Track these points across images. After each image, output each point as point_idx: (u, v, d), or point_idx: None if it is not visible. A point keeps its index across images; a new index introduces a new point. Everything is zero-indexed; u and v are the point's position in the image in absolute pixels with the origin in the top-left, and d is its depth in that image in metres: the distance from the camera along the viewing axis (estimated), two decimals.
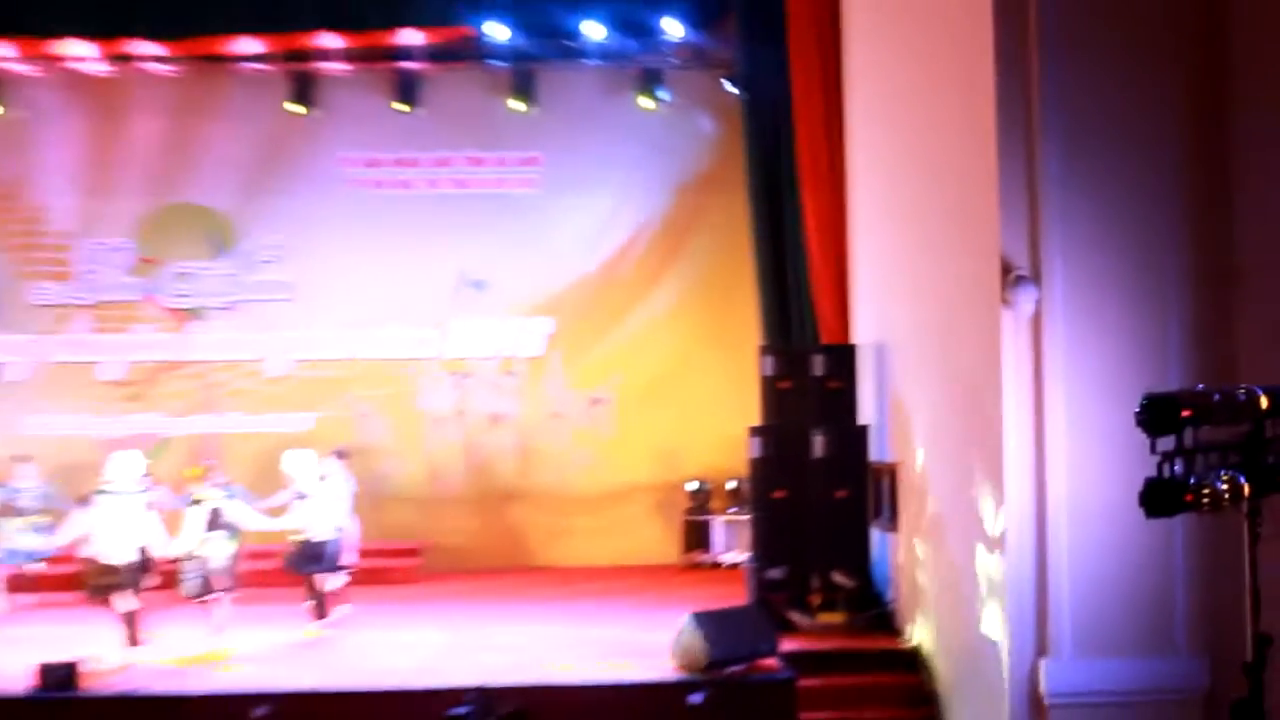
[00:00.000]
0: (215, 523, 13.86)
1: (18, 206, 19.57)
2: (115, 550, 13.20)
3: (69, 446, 18.63)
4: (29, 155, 19.53)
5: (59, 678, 12.06)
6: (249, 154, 19.53)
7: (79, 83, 19.32)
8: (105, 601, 13.21)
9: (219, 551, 13.81)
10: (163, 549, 13.62)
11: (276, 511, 14.71)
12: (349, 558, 15.07)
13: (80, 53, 18.72)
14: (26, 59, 18.82)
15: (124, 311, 19.69)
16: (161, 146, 19.53)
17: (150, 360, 19.71)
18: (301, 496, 14.43)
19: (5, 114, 19.13)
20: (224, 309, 19.67)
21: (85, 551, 13.47)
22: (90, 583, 13.38)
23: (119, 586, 13.18)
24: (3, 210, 19.58)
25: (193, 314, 19.68)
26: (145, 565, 13.60)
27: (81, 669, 12.17)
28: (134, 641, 13.13)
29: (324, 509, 14.48)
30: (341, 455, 15.47)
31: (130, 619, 13.20)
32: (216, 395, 19.67)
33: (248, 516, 14.13)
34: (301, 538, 14.43)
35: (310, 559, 14.42)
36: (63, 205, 19.59)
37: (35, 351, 19.59)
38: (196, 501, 13.91)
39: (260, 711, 11.74)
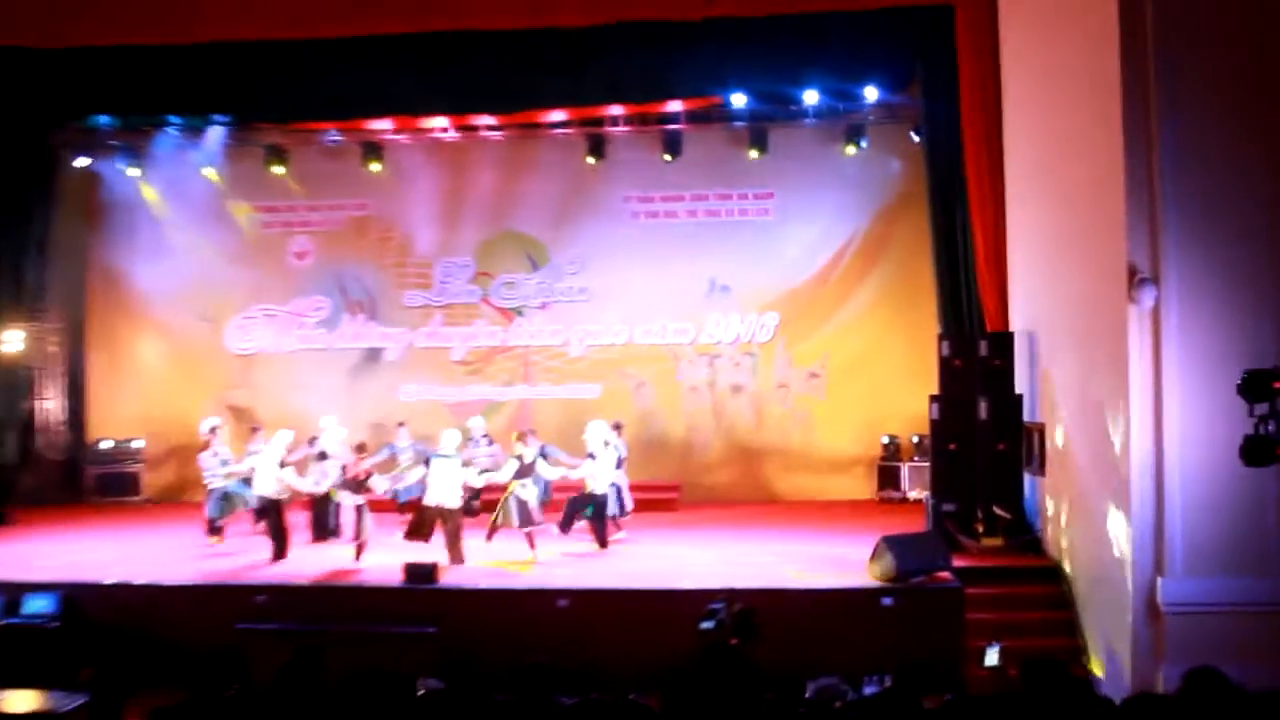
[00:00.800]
0: (529, 472, 14.04)
1: (393, 236, 20.15)
2: (444, 497, 13.41)
3: (429, 409, 19.17)
4: (401, 200, 20.09)
5: (421, 573, 12.41)
6: (557, 194, 19.79)
7: (435, 146, 19.85)
8: (427, 537, 13.33)
9: (531, 495, 13.96)
10: (479, 491, 13.91)
11: (572, 467, 14.79)
12: (622, 503, 15.09)
13: (437, 124, 19.25)
14: (399, 130, 19.41)
15: (467, 310, 20.10)
16: (494, 191, 19.95)
17: (485, 346, 20.06)
18: (591, 456, 14.49)
19: (383, 170, 19.66)
20: (538, 308, 19.96)
21: (426, 497, 13.66)
22: (419, 518, 13.54)
23: (445, 521, 13.40)
24: (383, 239, 20.17)
25: (516, 312, 20.01)
26: (467, 508, 13.94)
27: (439, 567, 12.52)
28: (458, 559, 13.32)
29: (604, 467, 14.48)
30: (617, 427, 15.50)
31: (455, 541, 13.40)
32: (532, 371, 19.98)
33: (552, 469, 14.28)
34: (587, 489, 14.49)
35: (590, 504, 14.48)
36: (425, 235, 20.11)
37: (406, 340, 20.17)
38: (518, 457, 14.05)
39: (562, 604, 11.99)
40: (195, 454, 15.43)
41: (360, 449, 14.17)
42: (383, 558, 13.36)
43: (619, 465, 14.99)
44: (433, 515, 13.40)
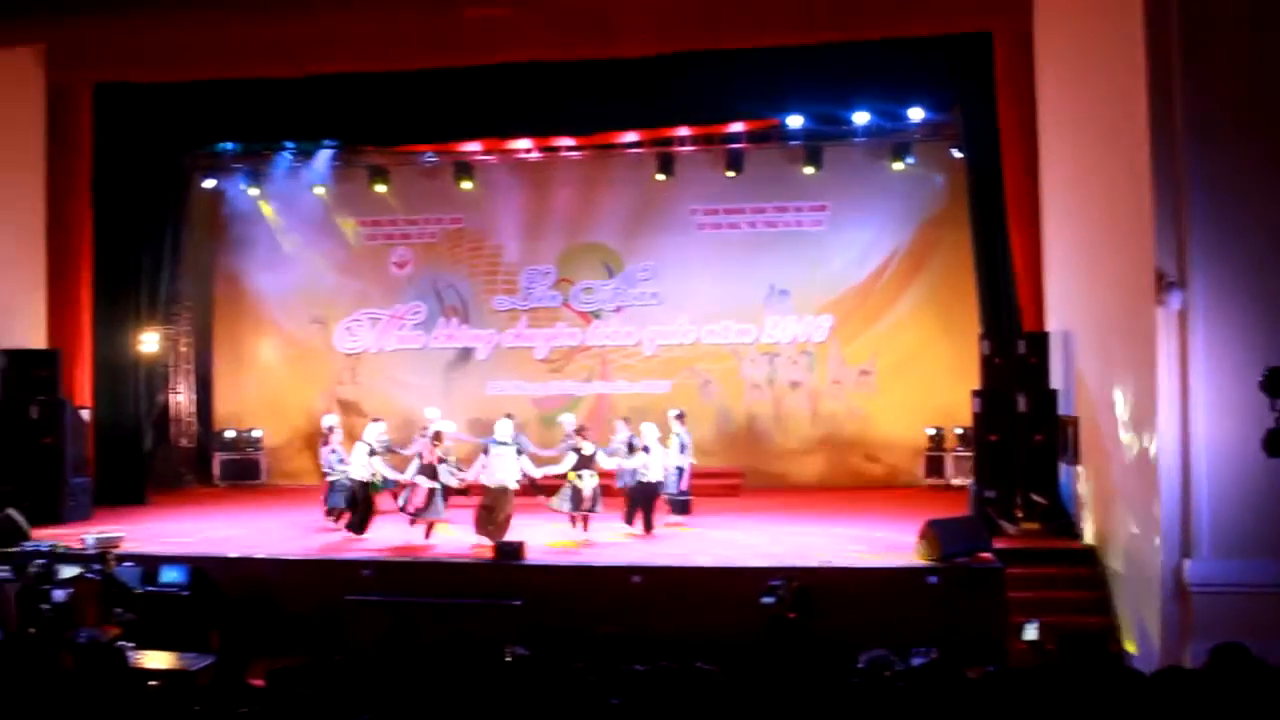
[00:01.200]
0: (589, 464, 13.97)
1: (484, 247, 20.25)
2: (504, 479, 13.45)
3: (515, 404, 19.28)
4: (490, 214, 20.19)
5: (509, 551, 12.47)
6: (630, 208, 19.80)
7: (520, 165, 19.93)
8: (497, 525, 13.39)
9: (587, 483, 13.91)
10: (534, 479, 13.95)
11: (623, 459, 14.63)
12: (678, 489, 14.92)
13: (521, 146, 19.34)
14: (488, 151, 19.52)
15: (549, 314, 20.14)
16: (573, 205, 20.01)
17: (566, 346, 20.10)
18: (646, 450, 14.34)
19: (474, 187, 19.76)
20: (614, 311, 19.96)
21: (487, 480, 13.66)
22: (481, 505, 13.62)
23: (503, 502, 13.44)
24: (474, 250, 20.29)
25: (593, 315, 20.04)
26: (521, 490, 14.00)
27: (525, 545, 12.53)
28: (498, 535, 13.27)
29: (657, 458, 14.32)
30: (680, 416, 15.37)
31: (506, 522, 13.43)
32: (608, 369, 20.00)
33: (604, 460, 14.20)
34: (643, 478, 14.29)
35: (645, 492, 14.33)
36: (511, 245, 20.20)
37: (493, 341, 20.27)
38: (577, 449, 14.04)
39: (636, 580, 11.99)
40: (308, 442, 15.56)
41: (436, 438, 14.22)
42: (449, 535, 13.72)
43: (682, 451, 14.89)
44: (493, 496, 13.44)
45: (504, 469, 13.49)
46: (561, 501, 13.96)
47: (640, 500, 14.30)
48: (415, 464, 13.86)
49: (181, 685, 8.58)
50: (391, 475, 14.24)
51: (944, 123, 17.62)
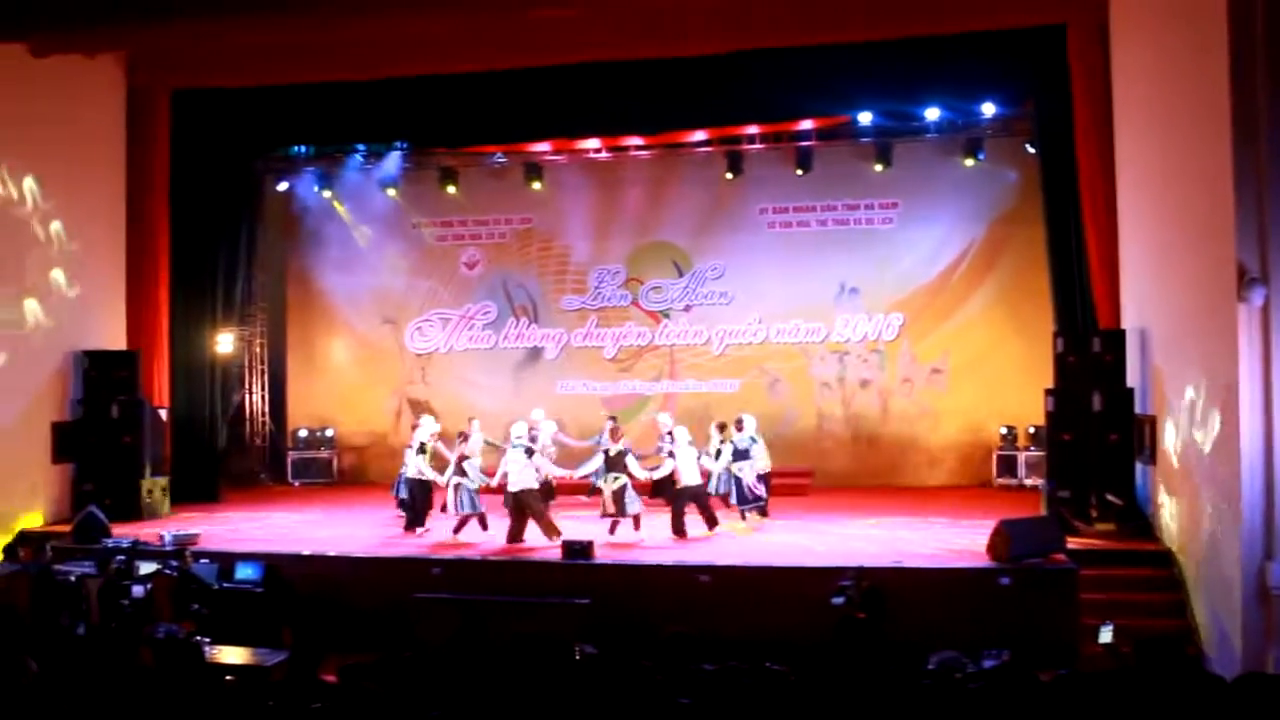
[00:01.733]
0: (617, 466, 13.82)
1: (553, 247, 20.37)
2: (521, 481, 13.49)
3: (585, 403, 19.36)
4: (559, 214, 20.31)
5: (578, 550, 12.50)
6: (699, 207, 19.80)
7: (589, 165, 20.00)
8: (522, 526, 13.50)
9: (607, 487, 13.80)
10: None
11: (649, 465, 14.69)
12: (742, 492, 14.62)
13: (590, 146, 19.41)
14: (557, 151, 19.62)
15: (619, 313, 20.21)
16: (642, 204, 20.06)
17: (635, 345, 20.15)
18: (671, 454, 14.32)
19: (543, 187, 19.87)
20: (683, 310, 19.96)
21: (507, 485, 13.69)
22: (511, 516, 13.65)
23: (530, 504, 13.50)
24: (544, 250, 20.41)
25: (662, 314, 20.05)
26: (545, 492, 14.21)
27: (594, 544, 12.54)
28: (553, 533, 13.32)
29: (687, 461, 14.13)
30: (722, 427, 14.99)
31: (542, 518, 13.50)
32: (677, 368, 20.01)
33: (634, 466, 14.00)
34: (678, 481, 14.20)
35: (678, 494, 14.22)
36: (581, 245, 20.30)
37: (563, 340, 20.37)
38: (604, 451, 14.03)
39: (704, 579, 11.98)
40: (380, 441, 15.63)
41: (463, 437, 14.38)
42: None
43: (736, 458, 14.55)
44: (516, 501, 13.51)
45: (515, 471, 13.56)
46: (606, 506, 13.87)
47: (673, 502, 14.20)
48: (451, 464, 14.13)
49: (256, 680, 8.73)
50: (429, 474, 14.45)
51: (1016, 117, 17.44)
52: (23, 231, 15.32)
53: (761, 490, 14.70)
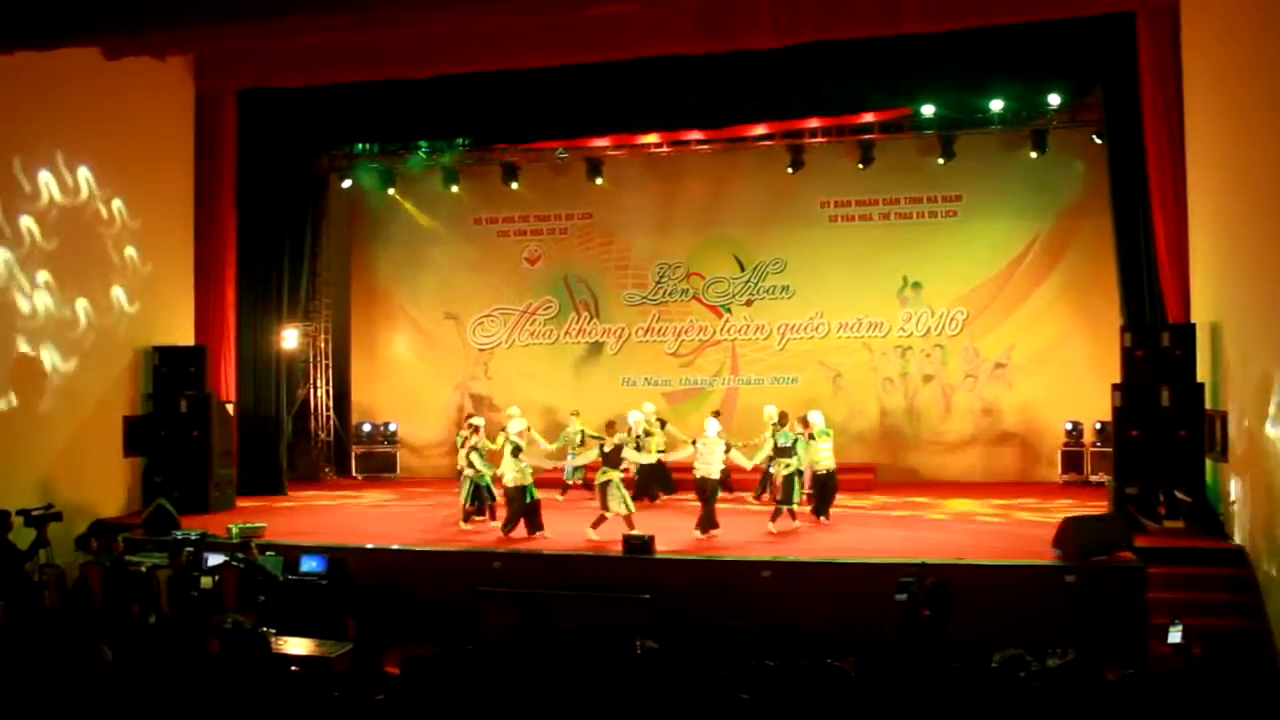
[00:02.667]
0: (615, 460, 13.64)
1: (615, 242, 20.40)
2: (512, 477, 13.67)
3: (646, 397, 19.35)
4: (620, 209, 20.33)
5: (638, 544, 12.54)
6: (760, 201, 19.71)
7: (650, 160, 19.98)
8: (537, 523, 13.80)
9: (598, 479, 13.72)
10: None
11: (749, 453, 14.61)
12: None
13: (651, 141, 19.38)
14: (616, 147, 19.61)
15: (680, 308, 20.19)
16: (703, 199, 20.04)
17: (696, 339, 20.14)
18: (692, 444, 14.27)
19: (604, 183, 19.90)
20: (744, 304, 19.90)
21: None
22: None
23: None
24: (605, 245, 20.44)
25: (724, 308, 20.01)
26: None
27: (654, 539, 12.54)
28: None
29: (709, 454, 13.89)
30: (783, 419, 14.74)
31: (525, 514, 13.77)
32: (738, 363, 19.96)
33: (640, 455, 14.36)
34: (699, 474, 13.99)
35: (701, 487, 14.04)
36: (641, 240, 20.30)
37: (624, 335, 20.41)
38: (601, 443, 14.02)
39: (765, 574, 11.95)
40: (443, 436, 15.71)
41: (473, 429, 14.72)
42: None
43: (781, 453, 14.22)
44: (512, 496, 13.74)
45: (507, 465, 13.75)
46: (624, 502, 13.62)
47: (700, 495, 14.04)
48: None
49: (320, 671, 8.85)
50: (481, 467, 14.54)
51: (1082, 107, 17.15)
52: (98, 233, 15.65)
53: (793, 493, 14.04)
